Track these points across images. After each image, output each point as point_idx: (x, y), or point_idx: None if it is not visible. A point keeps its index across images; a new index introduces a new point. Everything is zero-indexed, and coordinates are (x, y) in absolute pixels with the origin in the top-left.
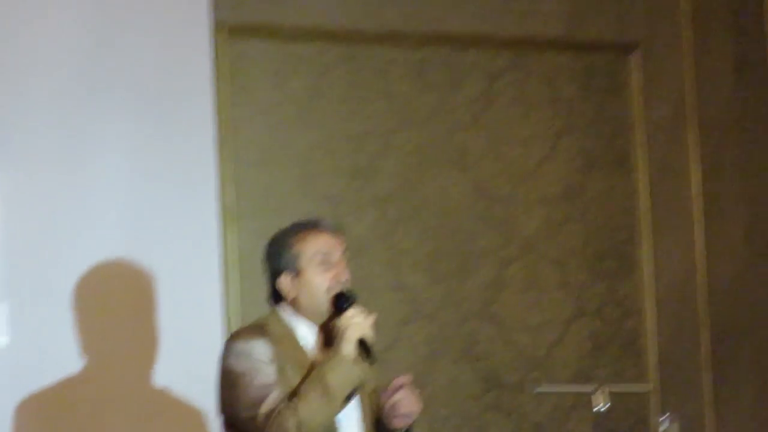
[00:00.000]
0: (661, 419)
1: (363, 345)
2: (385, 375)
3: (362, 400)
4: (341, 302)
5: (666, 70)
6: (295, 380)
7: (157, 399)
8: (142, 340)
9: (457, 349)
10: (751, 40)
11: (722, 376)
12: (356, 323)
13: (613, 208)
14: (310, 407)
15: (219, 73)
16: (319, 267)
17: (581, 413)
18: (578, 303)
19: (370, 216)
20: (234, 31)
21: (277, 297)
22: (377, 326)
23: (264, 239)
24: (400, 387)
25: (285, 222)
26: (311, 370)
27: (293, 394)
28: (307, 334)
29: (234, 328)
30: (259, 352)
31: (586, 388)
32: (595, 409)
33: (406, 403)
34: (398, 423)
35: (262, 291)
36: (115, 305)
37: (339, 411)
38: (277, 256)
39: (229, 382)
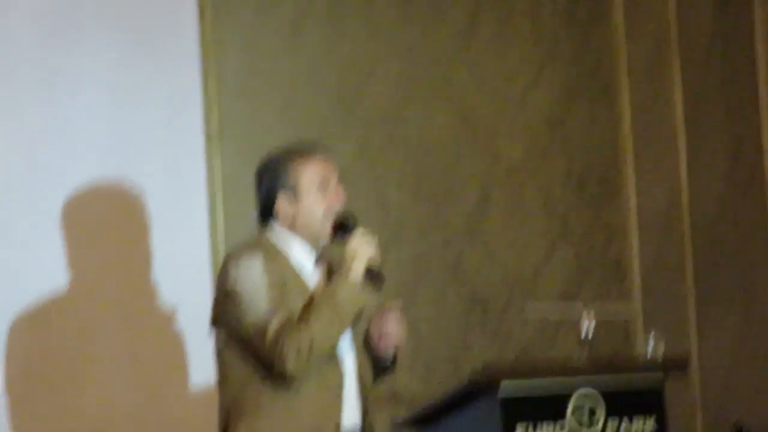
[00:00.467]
0: (647, 337)
1: (370, 270)
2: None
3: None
4: (346, 225)
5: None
6: (292, 296)
7: (144, 315)
8: (129, 258)
9: (442, 269)
10: None
11: (706, 298)
12: (364, 247)
13: (597, 136)
14: (322, 326)
15: (203, 1)
16: (318, 190)
17: (567, 331)
18: (563, 227)
19: (354, 142)
20: None
21: (266, 215)
22: None
23: (248, 163)
24: (389, 314)
25: (269, 146)
26: (313, 292)
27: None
28: (300, 253)
29: (219, 248)
30: (262, 269)
31: (572, 308)
32: (582, 337)
33: (393, 333)
34: (384, 350)
35: (247, 210)
36: (104, 224)
37: (344, 333)
38: (275, 176)
39: (234, 299)
